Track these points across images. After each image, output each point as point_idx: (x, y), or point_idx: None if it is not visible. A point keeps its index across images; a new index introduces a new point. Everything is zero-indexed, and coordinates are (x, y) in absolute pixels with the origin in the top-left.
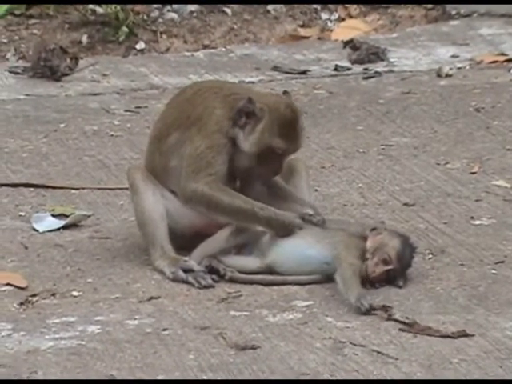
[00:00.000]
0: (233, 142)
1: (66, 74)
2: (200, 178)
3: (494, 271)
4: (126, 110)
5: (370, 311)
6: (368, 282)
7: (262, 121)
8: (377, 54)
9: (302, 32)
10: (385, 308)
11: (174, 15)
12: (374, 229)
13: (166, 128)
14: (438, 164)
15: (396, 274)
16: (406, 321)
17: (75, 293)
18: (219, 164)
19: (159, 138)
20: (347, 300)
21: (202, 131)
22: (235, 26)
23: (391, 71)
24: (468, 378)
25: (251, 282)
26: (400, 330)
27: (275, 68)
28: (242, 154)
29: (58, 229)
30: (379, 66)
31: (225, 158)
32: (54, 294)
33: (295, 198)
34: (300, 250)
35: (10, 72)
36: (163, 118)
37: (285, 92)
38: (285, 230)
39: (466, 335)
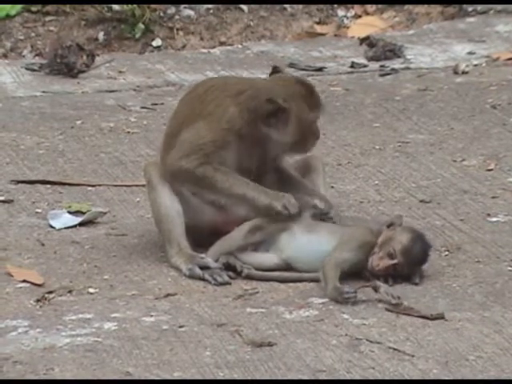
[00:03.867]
0: (243, 139)
1: (83, 71)
2: (193, 160)
3: (510, 268)
4: (143, 107)
5: (349, 299)
6: (376, 276)
7: (291, 110)
8: (393, 51)
9: (319, 29)
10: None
11: (190, 12)
12: (390, 225)
13: (178, 125)
14: (455, 161)
15: (402, 270)
16: (393, 301)
17: (91, 290)
18: (217, 157)
19: (171, 135)
20: (324, 289)
21: (210, 125)
22: (251, 23)
23: (408, 68)
24: (484, 374)
25: (268, 279)
26: (386, 309)
27: (291, 65)
28: (273, 145)
29: (75, 226)
30: (396, 63)
31: (226, 155)
32: (70, 291)
33: (306, 189)
34: (316, 247)
35: (27, 69)
36: (175, 115)
37: (275, 67)
38: (283, 210)
39: (442, 318)
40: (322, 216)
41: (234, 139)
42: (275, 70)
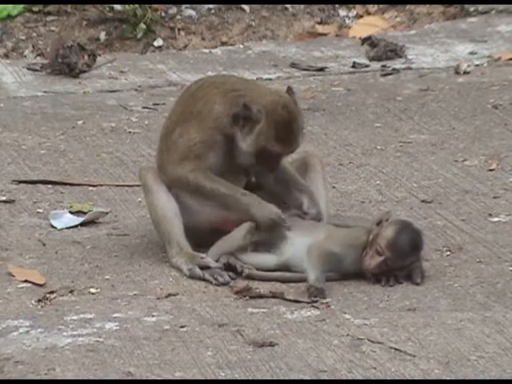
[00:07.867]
0: (231, 139)
1: (84, 71)
2: (186, 166)
3: (511, 268)
4: (144, 107)
5: (320, 296)
6: (375, 276)
7: (259, 123)
8: (395, 51)
9: (320, 29)
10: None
11: (191, 12)
12: (379, 222)
13: (172, 125)
14: (456, 161)
15: (395, 264)
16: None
17: (93, 290)
18: (209, 158)
19: (166, 135)
20: (307, 278)
21: (199, 124)
22: (253, 23)
23: (409, 68)
24: (486, 374)
25: (269, 279)
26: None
27: (293, 65)
28: (241, 152)
29: (76, 226)
30: (397, 63)
31: (217, 154)
32: (71, 291)
33: (298, 185)
34: None
35: (28, 69)
36: (170, 115)
37: (288, 89)
38: (265, 222)
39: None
40: (303, 216)
41: (222, 139)
42: (288, 91)
